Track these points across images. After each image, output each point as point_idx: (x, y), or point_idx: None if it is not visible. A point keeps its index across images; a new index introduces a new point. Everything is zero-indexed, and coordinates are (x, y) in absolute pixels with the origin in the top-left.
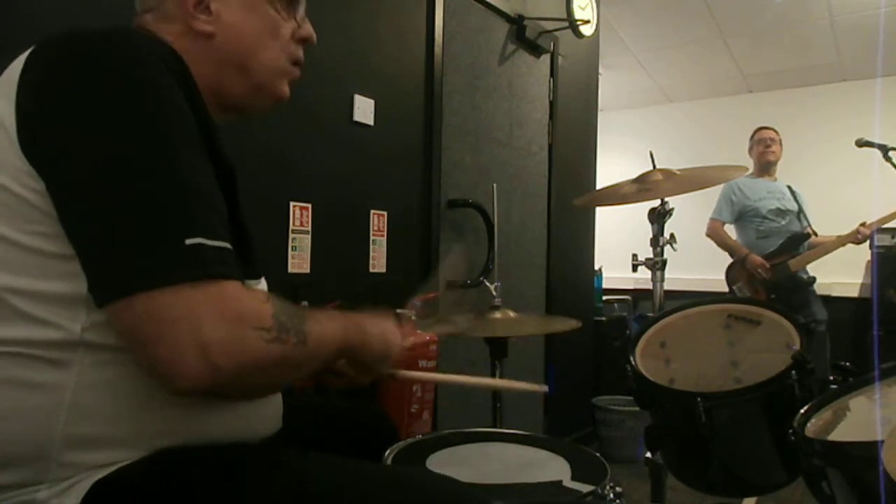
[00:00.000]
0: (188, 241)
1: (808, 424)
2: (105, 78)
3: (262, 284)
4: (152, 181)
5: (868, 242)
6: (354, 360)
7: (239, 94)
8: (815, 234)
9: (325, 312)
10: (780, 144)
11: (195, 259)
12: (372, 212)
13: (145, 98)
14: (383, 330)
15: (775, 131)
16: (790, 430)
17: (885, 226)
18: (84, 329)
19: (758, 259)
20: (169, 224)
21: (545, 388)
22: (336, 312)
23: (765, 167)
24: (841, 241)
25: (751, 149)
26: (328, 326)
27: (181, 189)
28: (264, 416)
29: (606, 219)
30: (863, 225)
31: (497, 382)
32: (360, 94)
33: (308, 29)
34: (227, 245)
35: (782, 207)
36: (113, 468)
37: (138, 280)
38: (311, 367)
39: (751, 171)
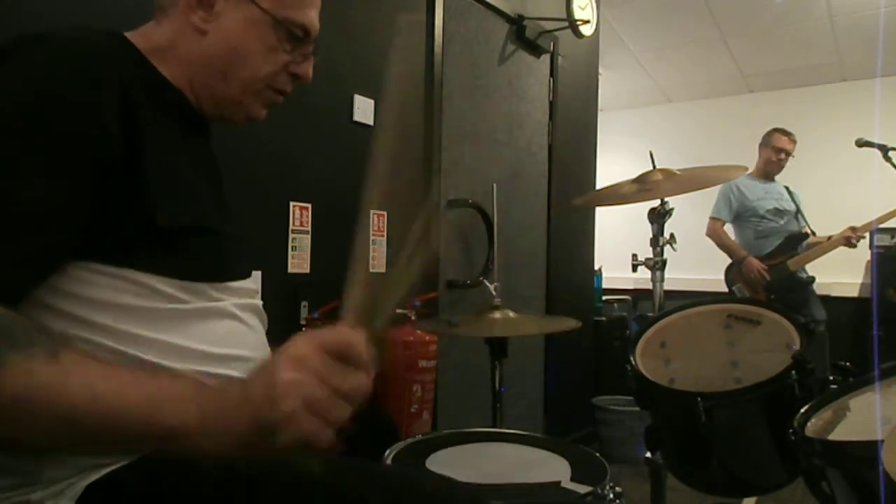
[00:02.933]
0: None
1: (808, 424)
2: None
3: (253, 283)
4: None
5: (868, 242)
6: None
7: (214, 99)
8: (813, 234)
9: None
10: (792, 155)
11: None
12: (372, 212)
13: (13, 111)
14: (227, 416)
15: (794, 142)
16: (790, 430)
17: (884, 226)
18: None
19: (755, 263)
20: None
21: None
22: (186, 382)
23: (768, 174)
24: (831, 244)
25: (762, 145)
26: (122, 387)
27: None
28: None
29: (606, 219)
30: (852, 229)
31: None
32: (360, 94)
33: (305, 69)
34: None
35: (780, 207)
36: (106, 470)
37: None
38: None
39: (751, 169)
